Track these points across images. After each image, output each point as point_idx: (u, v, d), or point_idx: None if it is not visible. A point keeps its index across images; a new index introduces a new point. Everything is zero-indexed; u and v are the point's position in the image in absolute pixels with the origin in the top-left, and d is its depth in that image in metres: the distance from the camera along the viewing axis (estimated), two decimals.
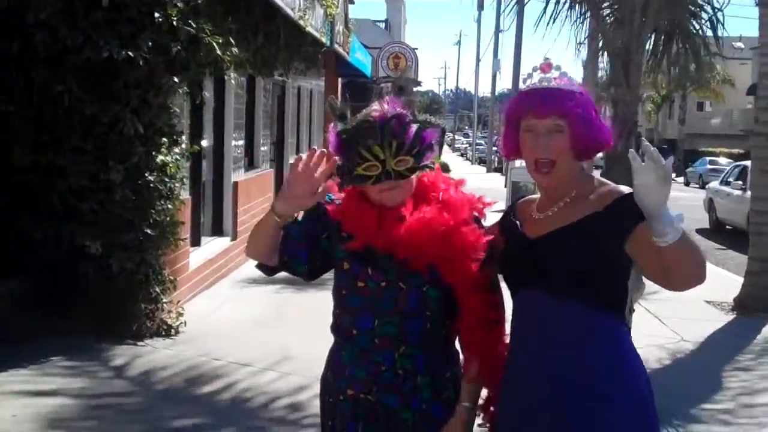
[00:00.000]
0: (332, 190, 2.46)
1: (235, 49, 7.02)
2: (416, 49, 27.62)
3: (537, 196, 2.51)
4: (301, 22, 9.50)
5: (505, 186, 20.96)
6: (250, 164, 11.61)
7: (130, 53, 6.00)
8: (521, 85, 2.41)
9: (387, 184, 2.33)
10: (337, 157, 2.38)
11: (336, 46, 12.86)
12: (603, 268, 2.21)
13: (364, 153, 2.31)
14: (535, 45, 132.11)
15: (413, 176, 2.36)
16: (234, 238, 10.20)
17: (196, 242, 9.08)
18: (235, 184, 10.29)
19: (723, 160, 36.07)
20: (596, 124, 2.31)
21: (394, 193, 2.35)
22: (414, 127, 2.36)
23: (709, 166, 34.96)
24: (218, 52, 6.71)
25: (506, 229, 2.43)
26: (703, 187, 27.66)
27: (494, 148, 40.30)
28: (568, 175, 2.31)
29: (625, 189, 2.23)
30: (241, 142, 10.71)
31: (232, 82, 7.70)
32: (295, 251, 2.42)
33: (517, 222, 2.43)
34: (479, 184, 26.71)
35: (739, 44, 35.21)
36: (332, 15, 11.74)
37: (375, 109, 2.38)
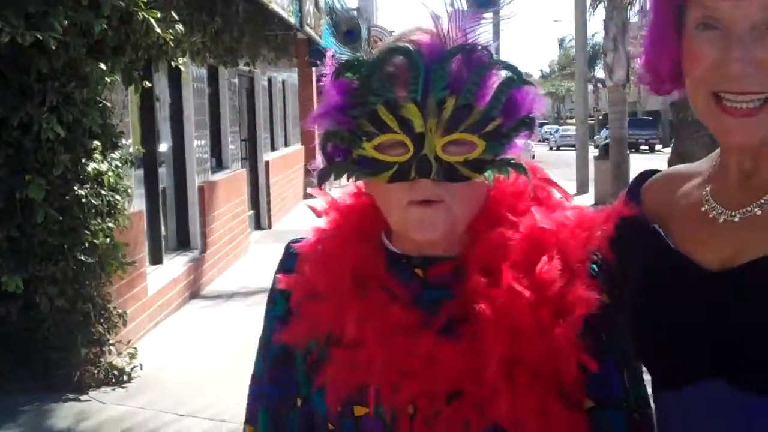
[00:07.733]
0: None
1: (179, 26, 5.71)
2: (393, 32, 26.27)
3: (699, 165, 1.24)
4: None
5: None
6: (218, 165, 10.32)
7: (39, 36, 4.68)
8: None
9: (421, 189, 1.10)
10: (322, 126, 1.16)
11: (307, 28, 11.53)
12: None
13: (382, 116, 1.10)
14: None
15: (480, 180, 1.11)
16: (203, 250, 8.95)
17: (157, 260, 7.83)
18: (201, 188, 9.01)
19: None
20: None
21: (430, 213, 1.11)
22: (497, 77, 1.10)
23: None
24: (158, 30, 5.42)
25: (634, 250, 1.16)
26: None
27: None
28: None
29: None
30: (205, 142, 9.43)
31: (182, 69, 6.38)
32: None
33: (660, 231, 1.17)
34: None
35: None
36: None
37: (418, 29, 1.16)
